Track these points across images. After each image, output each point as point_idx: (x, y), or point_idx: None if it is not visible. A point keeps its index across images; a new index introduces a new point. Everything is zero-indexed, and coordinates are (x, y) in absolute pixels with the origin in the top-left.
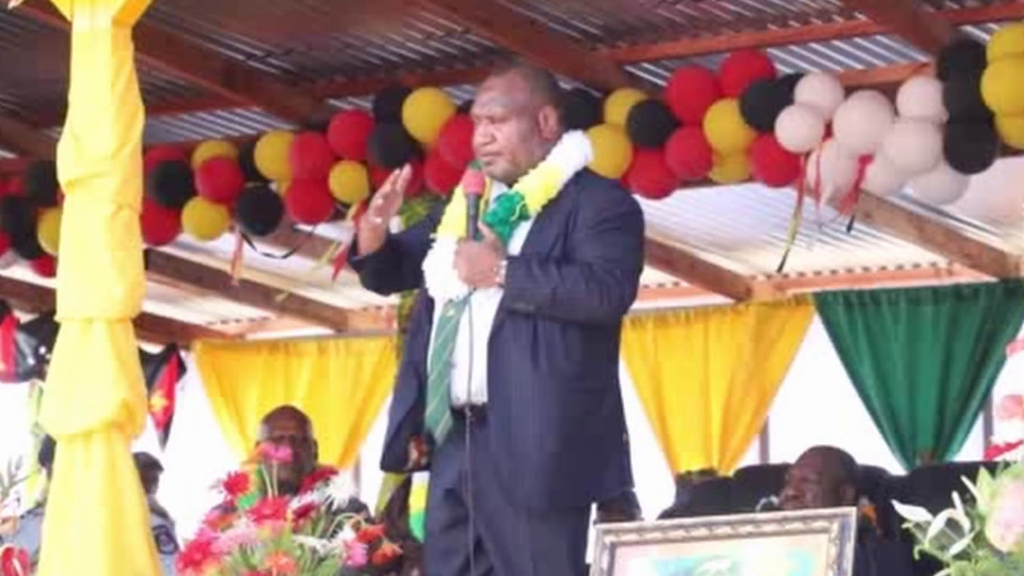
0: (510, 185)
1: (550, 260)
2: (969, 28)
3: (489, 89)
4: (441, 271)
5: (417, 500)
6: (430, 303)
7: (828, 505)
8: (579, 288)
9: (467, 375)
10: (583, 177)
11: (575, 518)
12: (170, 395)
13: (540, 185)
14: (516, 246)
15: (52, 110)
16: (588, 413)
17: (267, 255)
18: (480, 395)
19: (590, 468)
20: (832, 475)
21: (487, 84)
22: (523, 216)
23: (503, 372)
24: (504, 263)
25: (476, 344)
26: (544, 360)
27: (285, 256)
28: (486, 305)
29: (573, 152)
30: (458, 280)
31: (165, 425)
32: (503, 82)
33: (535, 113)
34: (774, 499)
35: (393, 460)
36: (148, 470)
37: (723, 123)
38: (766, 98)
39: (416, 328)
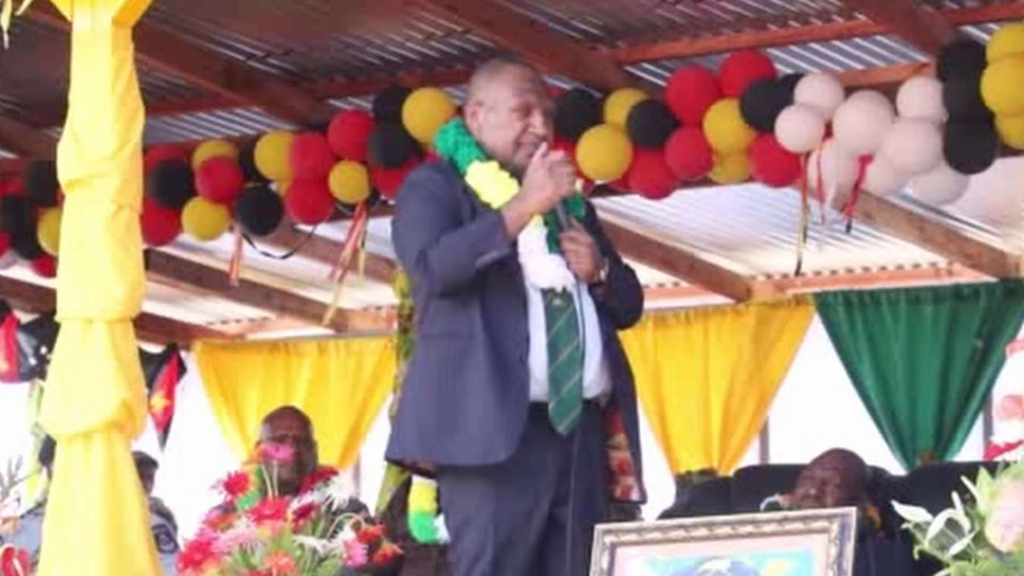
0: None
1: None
2: (969, 28)
3: (539, 81)
4: (538, 260)
5: (418, 500)
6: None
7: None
8: (640, 292)
9: (593, 368)
10: None
11: None
12: (171, 395)
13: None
14: None
15: (52, 110)
16: None
17: (266, 254)
18: (594, 388)
19: None
20: (852, 479)
21: (533, 75)
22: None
23: (619, 367)
24: (606, 259)
25: (590, 337)
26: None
27: (284, 257)
28: (586, 299)
29: None
30: (573, 272)
31: (165, 426)
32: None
33: None
34: (779, 499)
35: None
36: (143, 467)
37: (723, 123)
38: (766, 98)
39: (500, 315)
